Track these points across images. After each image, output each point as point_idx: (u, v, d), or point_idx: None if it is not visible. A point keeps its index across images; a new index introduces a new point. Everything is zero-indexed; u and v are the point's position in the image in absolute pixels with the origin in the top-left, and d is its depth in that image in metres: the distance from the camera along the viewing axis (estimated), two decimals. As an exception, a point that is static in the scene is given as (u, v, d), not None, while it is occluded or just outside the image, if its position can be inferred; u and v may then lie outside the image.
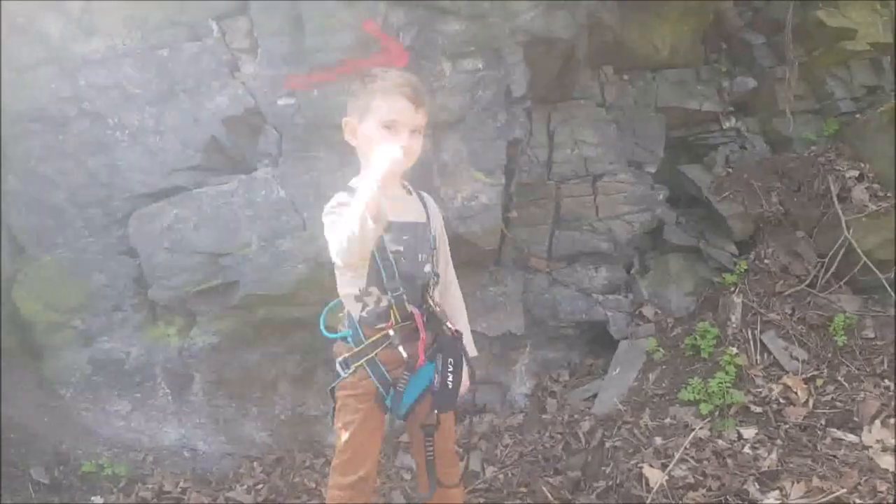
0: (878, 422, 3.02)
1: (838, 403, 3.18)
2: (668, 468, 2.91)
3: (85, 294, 3.47)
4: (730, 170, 4.18)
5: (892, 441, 2.92)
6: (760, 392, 3.27)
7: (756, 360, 3.43)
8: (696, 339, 3.56)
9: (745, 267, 3.79)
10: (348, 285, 2.13)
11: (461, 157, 3.43)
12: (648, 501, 2.80)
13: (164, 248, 3.33)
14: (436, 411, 2.13)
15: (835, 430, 3.06)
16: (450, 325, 2.15)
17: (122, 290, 3.48)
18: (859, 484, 2.72)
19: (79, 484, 3.30)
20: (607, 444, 3.22)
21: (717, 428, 3.13)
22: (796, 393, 3.25)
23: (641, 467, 2.95)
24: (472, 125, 3.44)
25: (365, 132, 2.08)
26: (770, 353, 3.45)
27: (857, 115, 4.28)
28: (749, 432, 3.08)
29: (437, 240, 2.26)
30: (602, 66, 4.09)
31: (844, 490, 2.67)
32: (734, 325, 3.57)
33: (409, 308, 2.10)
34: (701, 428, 3.11)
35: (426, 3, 3.28)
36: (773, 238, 3.88)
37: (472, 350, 2.27)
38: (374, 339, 2.10)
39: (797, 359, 3.40)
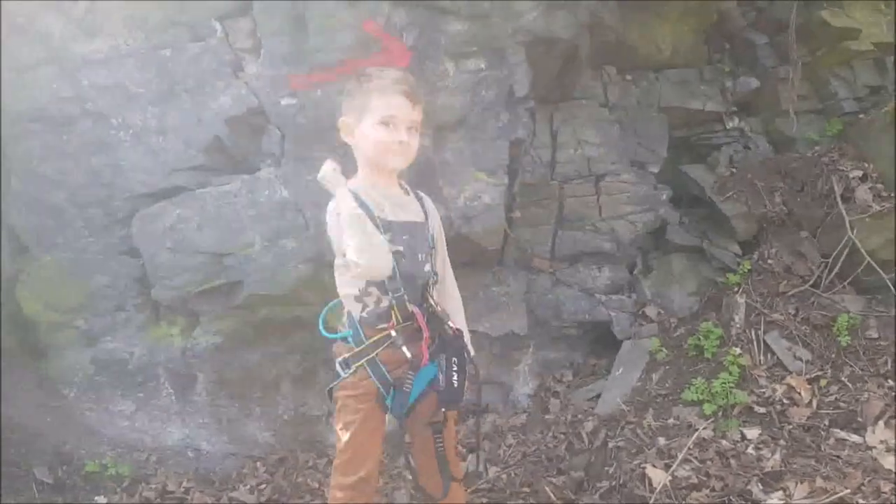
0: (881, 422, 3.01)
1: (842, 404, 3.17)
2: (672, 468, 2.90)
3: (86, 294, 3.47)
4: (733, 170, 4.16)
5: (896, 441, 2.91)
6: (764, 392, 3.26)
7: (759, 361, 3.42)
8: (699, 339, 3.55)
9: (749, 267, 3.78)
10: (348, 285, 2.13)
11: (464, 157, 3.44)
12: (652, 502, 2.79)
13: (167, 249, 3.34)
14: (443, 409, 2.14)
15: (838, 430, 3.05)
16: (451, 325, 2.16)
17: (125, 291, 3.48)
18: (863, 484, 2.71)
19: (82, 484, 3.31)
20: (610, 445, 3.21)
21: (720, 428, 3.12)
22: (800, 393, 3.24)
23: (645, 467, 2.95)
24: (474, 125, 3.44)
25: (364, 131, 2.11)
26: (773, 353, 3.44)
27: (861, 115, 4.26)
28: (752, 433, 3.07)
29: (435, 239, 2.27)
30: (604, 66, 4.08)
31: (848, 490, 2.67)
32: (737, 326, 3.56)
33: (411, 308, 2.10)
34: (704, 428, 3.10)
35: (428, 3, 3.28)
36: (776, 238, 3.86)
37: (469, 349, 2.27)
38: (375, 339, 2.10)
39: (801, 359, 3.39)
